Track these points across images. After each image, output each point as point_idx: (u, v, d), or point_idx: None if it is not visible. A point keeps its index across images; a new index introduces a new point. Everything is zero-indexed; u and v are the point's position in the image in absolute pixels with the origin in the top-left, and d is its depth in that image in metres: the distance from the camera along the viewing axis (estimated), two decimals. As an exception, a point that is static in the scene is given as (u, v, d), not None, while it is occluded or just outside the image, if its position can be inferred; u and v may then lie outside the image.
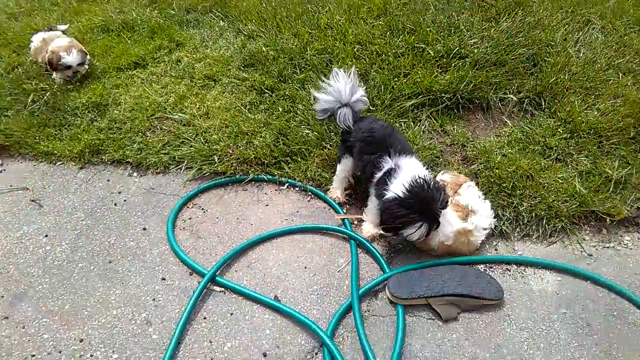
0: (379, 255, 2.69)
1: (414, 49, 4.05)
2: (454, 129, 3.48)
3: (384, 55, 4.03)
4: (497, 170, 3.07)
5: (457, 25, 4.16)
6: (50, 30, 4.26)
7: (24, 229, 3.00)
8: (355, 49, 4.13)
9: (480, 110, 3.66)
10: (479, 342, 2.30)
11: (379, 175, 2.69)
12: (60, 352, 2.36)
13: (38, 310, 2.55)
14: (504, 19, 4.25)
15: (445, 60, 3.88)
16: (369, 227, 2.87)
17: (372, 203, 2.81)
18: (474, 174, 3.13)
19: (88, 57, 4.08)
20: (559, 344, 2.28)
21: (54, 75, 3.98)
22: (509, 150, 3.26)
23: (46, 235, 2.95)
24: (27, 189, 3.27)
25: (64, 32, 4.32)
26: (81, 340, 2.40)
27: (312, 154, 3.39)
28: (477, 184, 3.00)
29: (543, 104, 3.60)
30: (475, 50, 3.87)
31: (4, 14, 5.16)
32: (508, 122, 3.55)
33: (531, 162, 3.14)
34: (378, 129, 2.83)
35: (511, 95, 3.63)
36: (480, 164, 3.17)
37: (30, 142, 3.53)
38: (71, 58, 3.88)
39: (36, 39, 4.18)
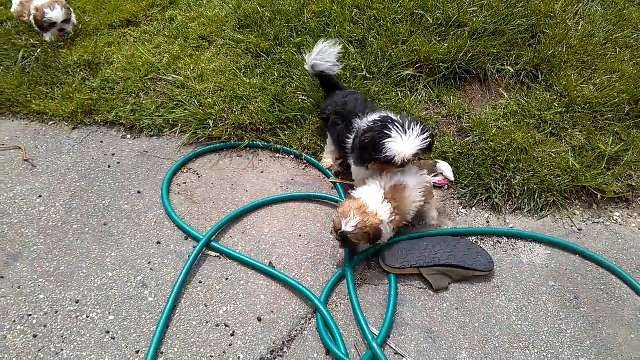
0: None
1: (413, 15, 3.98)
2: (450, 99, 3.47)
3: (382, 20, 3.96)
4: (491, 143, 3.09)
5: (458, -8, 4.09)
6: None
7: (17, 188, 2.98)
8: (354, 13, 4.04)
9: (477, 82, 3.64)
10: (468, 311, 2.38)
11: (351, 137, 2.72)
12: (56, 312, 2.39)
13: (34, 270, 2.57)
14: (504, -13, 4.18)
15: (444, 28, 3.83)
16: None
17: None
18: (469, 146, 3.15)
19: (74, 14, 3.93)
20: (547, 315, 2.37)
21: (45, 36, 3.84)
22: (504, 123, 3.27)
23: (40, 196, 2.94)
24: (20, 148, 3.22)
25: None
26: (77, 302, 2.43)
27: (307, 122, 3.37)
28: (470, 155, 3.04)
29: (540, 76, 3.59)
30: (474, 19, 3.81)
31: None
32: (504, 94, 3.55)
33: (526, 135, 3.16)
34: (350, 102, 2.86)
35: (509, 67, 3.61)
36: (476, 136, 3.18)
37: (21, 100, 3.45)
38: (55, 14, 3.73)
39: (15, 1, 4.01)
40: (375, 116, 2.59)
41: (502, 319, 2.36)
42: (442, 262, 2.46)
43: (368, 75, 3.55)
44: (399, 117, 2.53)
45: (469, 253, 2.51)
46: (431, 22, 3.82)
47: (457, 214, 2.85)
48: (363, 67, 3.60)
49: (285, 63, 3.72)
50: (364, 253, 2.58)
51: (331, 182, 3.02)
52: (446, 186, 3.05)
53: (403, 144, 2.41)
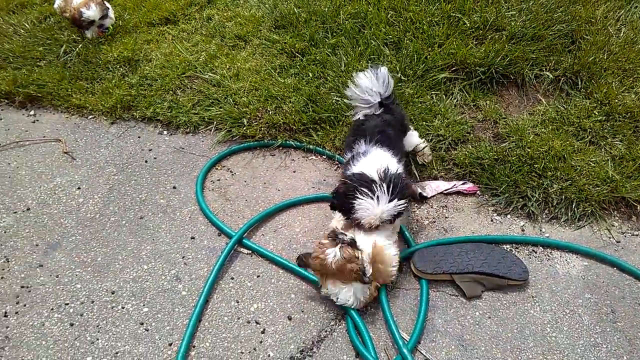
0: (404, 229, 2.71)
1: (450, 18, 3.94)
2: (486, 104, 3.42)
3: (418, 23, 3.93)
4: (529, 150, 3.04)
5: (496, -4, 4.04)
6: None
7: (57, 180, 3.07)
8: (389, 15, 4.03)
9: (514, 86, 3.59)
10: (502, 321, 2.34)
11: (348, 155, 2.63)
12: (92, 302, 2.46)
13: (71, 260, 2.64)
14: (544, -9, 4.10)
15: (481, 32, 3.78)
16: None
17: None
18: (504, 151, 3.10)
19: (111, 9, 4.01)
20: (583, 328, 2.32)
21: (86, 33, 3.94)
22: (542, 130, 3.21)
23: (79, 188, 3.02)
24: (60, 140, 3.32)
25: None
26: (113, 292, 2.49)
27: (341, 123, 3.37)
28: (506, 162, 2.99)
29: (579, 83, 3.51)
30: (513, 23, 3.75)
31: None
32: (542, 100, 3.48)
33: (564, 143, 3.09)
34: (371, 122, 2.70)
35: (547, 73, 3.54)
36: (512, 142, 3.13)
37: (62, 94, 3.55)
38: (91, 12, 3.83)
39: None
40: (357, 168, 2.42)
41: (536, 330, 2.31)
42: (475, 270, 2.43)
43: (403, 78, 3.53)
44: (382, 172, 2.33)
45: (503, 261, 2.47)
46: (468, 25, 3.78)
47: (492, 221, 2.81)
48: (398, 69, 3.58)
49: (319, 64, 3.73)
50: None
51: None
52: (478, 193, 3.01)
53: (373, 209, 2.29)
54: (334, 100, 3.45)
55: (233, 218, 2.88)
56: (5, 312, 2.41)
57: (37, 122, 3.48)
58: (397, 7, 4.08)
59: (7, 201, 2.94)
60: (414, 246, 2.61)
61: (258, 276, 2.57)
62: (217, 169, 3.20)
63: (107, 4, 3.98)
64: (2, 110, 3.57)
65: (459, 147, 3.19)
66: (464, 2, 3.96)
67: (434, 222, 2.83)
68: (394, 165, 2.42)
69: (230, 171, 3.18)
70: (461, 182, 3.04)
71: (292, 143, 3.32)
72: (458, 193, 3.00)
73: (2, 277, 2.56)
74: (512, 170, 2.95)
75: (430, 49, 3.72)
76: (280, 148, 3.34)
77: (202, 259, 2.65)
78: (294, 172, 3.17)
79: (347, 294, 2.28)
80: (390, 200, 2.29)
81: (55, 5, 4.19)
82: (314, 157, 3.27)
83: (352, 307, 2.32)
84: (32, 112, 3.55)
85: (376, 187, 2.29)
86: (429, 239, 2.70)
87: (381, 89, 2.68)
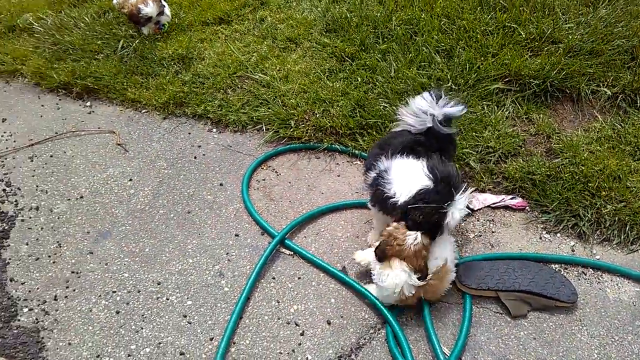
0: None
1: (505, 28, 3.87)
2: (539, 117, 3.34)
3: (471, 32, 3.87)
4: (582, 168, 2.94)
5: (553, 7, 3.93)
6: None
7: (109, 170, 3.18)
8: (442, 22, 3.98)
9: (569, 101, 3.48)
10: (547, 343, 2.28)
11: (372, 175, 2.42)
12: (139, 291, 2.53)
13: (120, 249, 2.73)
14: (603, 4, 3.95)
15: (536, 43, 3.69)
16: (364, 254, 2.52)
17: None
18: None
19: (167, 6, 4.11)
20: (632, 357, 2.23)
21: (142, 29, 4.06)
22: (597, 148, 3.10)
23: (130, 179, 3.12)
24: (114, 132, 3.43)
25: None
26: (159, 283, 2.56)
27: (388, 129, 3.35)
28: (558, 178, 2.91)
29: (638, 101, 3.38)
30: (570, 36, 3.65)
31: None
32: (599, 116, 3.37)
33: (620, 162, 2.98)
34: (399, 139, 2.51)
35: (605, 89, 3.42)
36: (565, 158, 3.04)
37: (118, 88, 3.67)
38: (149, 9, 3.93)
39: None
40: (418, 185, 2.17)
41: (582, 355, 2.24)
42: (522, 288, 2.37)
43: (454, 87, 3.49)
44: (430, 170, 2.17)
45: (551, 281, 2.40)
46: (524, 36, 3.70)
47: (540, 238, 2.74)
48: (449, 77, 3.54)
49: (369, 69, 3.73)
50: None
51: None
52: (527, 208, 2.94)
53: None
54: (381, 106, 3.44)
55: (276, 218, 2.91)
56: (56, 296, 2.51)
57: (92, 113, 3.61)
58: (450, 14, 4.03)
59: (62, 188, 3.06)
60: (459, 259, 2.57)
61: (299, 278, 2.58)
62: (262, 168, 3.24)
63: (164, 2, 4.09)
64: (60, 100, 3.72)
65: (509, 161, 3.12)
66: (520, 13, 3.87)
67: (480, 236, 2.77)
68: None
69: (276, 171, 3.21)
70: (510, 196, 2.97)
71: (338, 147, 3.33)
72: (506, 208, 2.94)
73: (54, 262, 2.67)
74: (564, 188, 2.87)
75: (483, 58, 3.66)
76: (326, 151, 3.35)
77: (245, 256, 2.69)
78: (339, 176, 3.18)
79: (397, 278, 2.20)
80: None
81: (114, 1, 4.34)
82: (358, 162, 3.27)
83: (390, 295, 2.27)
84: (88, 104, 3.69)
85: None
86: (474, 253, 2.65)
87: (435, 111, 2.42)
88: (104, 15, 4.31)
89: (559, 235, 2.76)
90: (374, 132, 3.35)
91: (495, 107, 3.42)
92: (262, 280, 2.58)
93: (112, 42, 4.00)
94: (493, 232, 2.80)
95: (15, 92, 3.77)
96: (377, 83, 3.61)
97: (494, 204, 2.94)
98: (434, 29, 3.90)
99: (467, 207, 2.65)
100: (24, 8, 4.39)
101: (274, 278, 2.59)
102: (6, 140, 3.35)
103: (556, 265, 2.59)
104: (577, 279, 2.53)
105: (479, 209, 2.92)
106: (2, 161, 3.19)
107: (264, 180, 3.15)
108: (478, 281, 2.41)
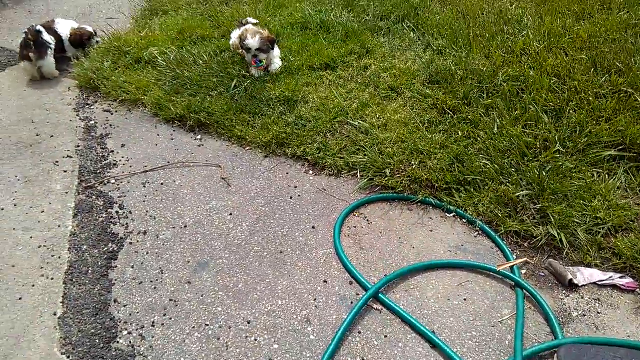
0: (551, 315, 2.52)
1: (620, 92, 3.67)
2: (657, 192, 3.09)
3: (583, 93, 3.72)
4: None
5: (679, 73, 3.67)
6: (242, 24, 4.63)
7: (213, 203, 3.36)
8: (552, 82, 3.86)
9: (693, 176, 3.20)
10: None
11: None
12: (229, 328, 2.62)
13: (216, 282, 2.86)
14: None
15: (657, 111, 3.46)
16: None
17: None
18: None
19: (276, 50, 4.32)
20: None
21: (252, 70, 4.31)
22: None
23: (231, 214, 3.28)
24: (220, 166, 3.65)
25: (254, 24, 4.66)
26: (248, 322, 2.64)
27: (487, 187, 3.27)
28: None
29: None
30: (698, 105, 3.38)
31: (218, -1, 5.75)
32: None
33: None
34: None
35: None
36: (688, 240, 2.77)
37: (227, 124, 3.91)
38: (251, 42, 4.14)
39: (234, 36, 4.59)
40: None
41: None
42: (631, 384, 2.16)
43: (561, 149, 3.34)
44: None
45: (667, 381, 2.17)
46: (642, 102, 3.48)
47: (656, 328, 2.50)
48: (557, 139, 3.40)
49: (471, 123, 3.68)
50: (537, 347, 2.39)
51: (504, 268, 2.84)
52: (638, 290, 2.70)
53: None
54: (482, 163, 3.36)
55: (365, 268, 2.91)
56: (153, 322, 2.66)
57: (202, 146, 3.87)
58: (561, 74, 3.90)
59: (169, 216, 3.29)
60: (561, 339, 2.40)
61: (385, 336, 2.54)
62: (354, 215, 3.27)
63: (275, 47, 4.33)
64: (174, 131, 4.03)
65: (620, 236, 2.91)
66: (638, 77, 3.65)
67: (584, 315, 2.58)
68: None
69: (367, 220, 3.23)
70: (619, 275, 2.75)
71: (433, 201, 3.29)
72: (614, 287, 2.73)
73: (155, 288, 2.85)
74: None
75: (595, 122, 3.49)
76: (419, 204, 3.32)
77: (332, 305, 2.71)
78: (431, 231, 3.13)
79: None
80: None
81: (231, 42, 4.68)
82: (453, 219, 3.20)
83: None
84: (199, 137, 3.96)
85: None
86: (577, 334, 2.47)
87: None
88: (220, 54, 4.65)
89: (676, 327, 2.50)
90: (472, 189, 3.27)
91: (607, 175, 3.22)
92: (348, 333, 2.56)
93: (226, 80, 4.29)
94: (599, 312, 2.60)
95: (136, 120, 4.14)
96: (478, 138, 3.55)
97: (600, 281, 2.74)
98: (543, 87, 3.79)
99: (571, 281, 2.54)
100: (151, 42, 4.84)
101: (359, 333, 2.57)
102: (124, 164, 3.67)
103: (674, 363, 2.34)
104: (698, 382, 2.26)
105: (584, 285, 2.73)
106: (119, 184, 3.49)
107: (355, 227, 3.18)
108: (581, 368, 2.23)
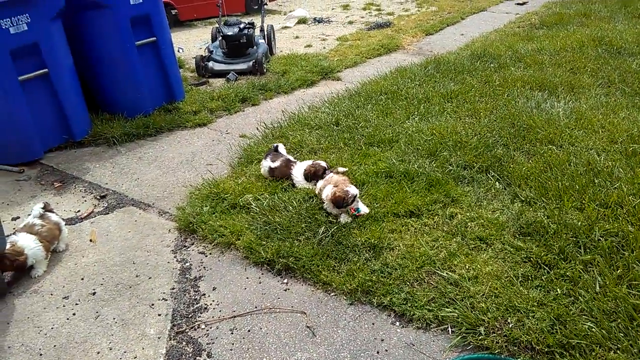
0: None
1: None
2: None
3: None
4: None
5: None
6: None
7: (297, 354, 3.29)
8: (657, 239, 3.64)
9: None
10: None
11: None
12: None
13: None
14: None
15: None
16: None
17: None
18: None
19: (361, 205, 4.52)
20: None
21: (341, 217, 4.49)
22: None
23: (315, 367, 3.18)
24: (304, 313, 3.63)
25: (343, 173, 4.92)
26: None
27: (594, 353, 2.96)
28: None
29: None
30: None
31: (308, 148, 6.20)
32: None
33: None
34: None
35: None
36: None
37: (313, 269, 3.98)
38: (353, 190, 4.36)
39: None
40: None
41: None
42: None
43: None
44: None
45: None
46: None
47: None
48: None
49: (569, 280, 3.48)
50: None
51: None
52: None
53: None
54: (586, 326, 3.09)
55: None
56: None
57: (287, 290, 3.92)
58: (666, 230, 3.68)
59: (253, 365, 3.24)
60: None
61: None
62: (447, 376, 3.05)
63: (359, 201, 4.51)
64: (262, 274, 4.14)
65: None
66: None
67: None
68: None
69: (461, 383, 2.99)
70: None
71: (533, 366, 3.01)
72: None
73: None
74: None
75: None
76: (519, 368, 3.04)
77: None
78: (535, 402, 2.81)
79: None
80: None
81: (317, 189, 4.95)
82: (559, 390, 2.88)
83: None
84: (285, 281, 4.03)
85: None
86: None
87: None
88: (309, 201, 4.90)
89: None
90: (577, 354, 2.98)
91: None
92: None
93: (313, 225, 4.46)
94: None
95: (227, 262, 4.32)
96: (580, 298, 3.31)
97: None
98: (646, 245, 3.57)
99: None
100: (246, 189, 5.23)
101: None
102: (213, 309, 3.76)
103: None
104: None
105: None
106: (208, 330, 3.54)
107: (448, 391, 2.94)
108: None
